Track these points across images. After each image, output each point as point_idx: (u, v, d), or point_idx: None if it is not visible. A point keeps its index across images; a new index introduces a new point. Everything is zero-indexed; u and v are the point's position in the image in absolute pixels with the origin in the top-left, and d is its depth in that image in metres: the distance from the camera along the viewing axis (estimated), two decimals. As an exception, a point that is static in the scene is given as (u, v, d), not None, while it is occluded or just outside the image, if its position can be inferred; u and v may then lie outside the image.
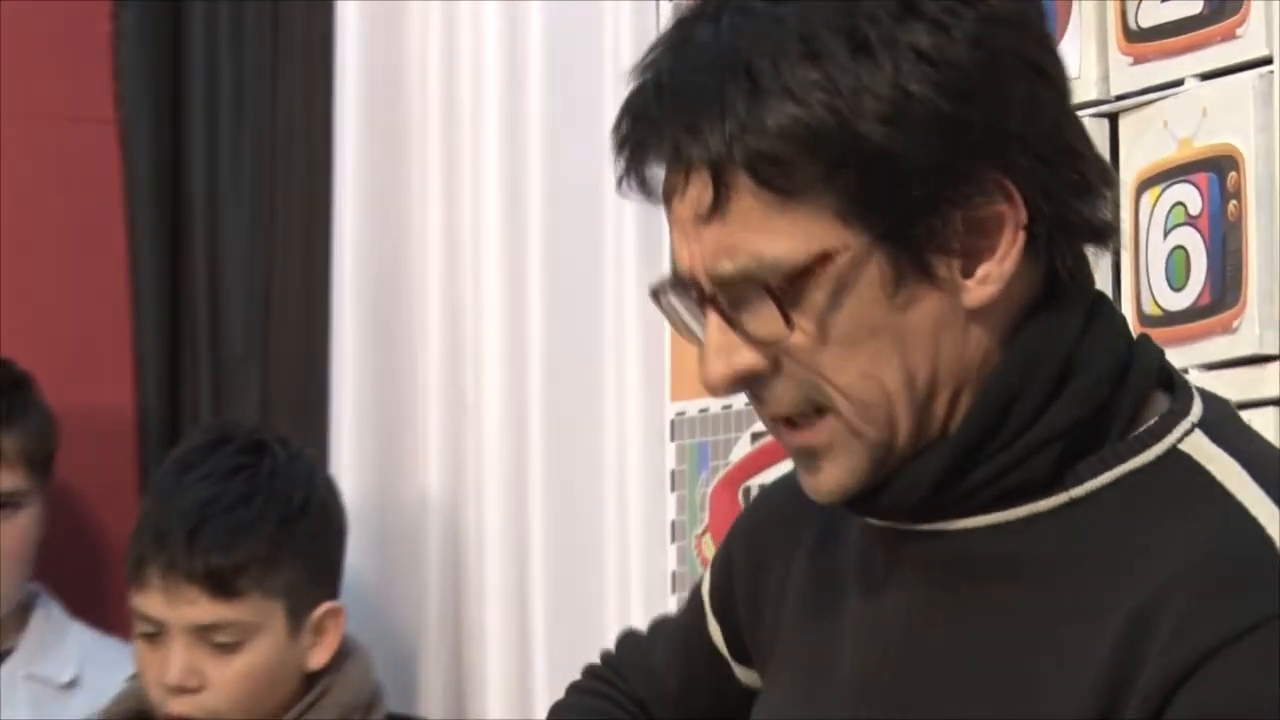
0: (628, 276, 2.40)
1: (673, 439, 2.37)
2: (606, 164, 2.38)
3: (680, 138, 1.27)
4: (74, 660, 2.66)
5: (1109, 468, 1.30)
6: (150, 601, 2.21)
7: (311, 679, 2.28)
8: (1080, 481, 1.30)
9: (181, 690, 2.22)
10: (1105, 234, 1.32)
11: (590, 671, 1.73)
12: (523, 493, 2.44)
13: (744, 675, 1.56)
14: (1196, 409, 1.32)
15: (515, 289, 2.46)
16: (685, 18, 1.30)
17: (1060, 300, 1.32)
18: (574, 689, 1.73)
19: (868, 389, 1.29)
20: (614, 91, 2.45)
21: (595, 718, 1.65)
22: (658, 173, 1.30)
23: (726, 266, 1.28)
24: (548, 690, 2.24)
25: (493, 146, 2.46)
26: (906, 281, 1.27)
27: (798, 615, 1.45)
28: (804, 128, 1.24)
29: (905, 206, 1.27)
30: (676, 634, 1.64)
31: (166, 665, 2.22)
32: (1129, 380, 1.31)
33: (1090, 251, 1.34)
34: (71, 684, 2.64)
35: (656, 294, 1.34)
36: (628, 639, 1.73)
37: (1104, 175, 1.32)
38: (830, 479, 1.32)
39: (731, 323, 1.29)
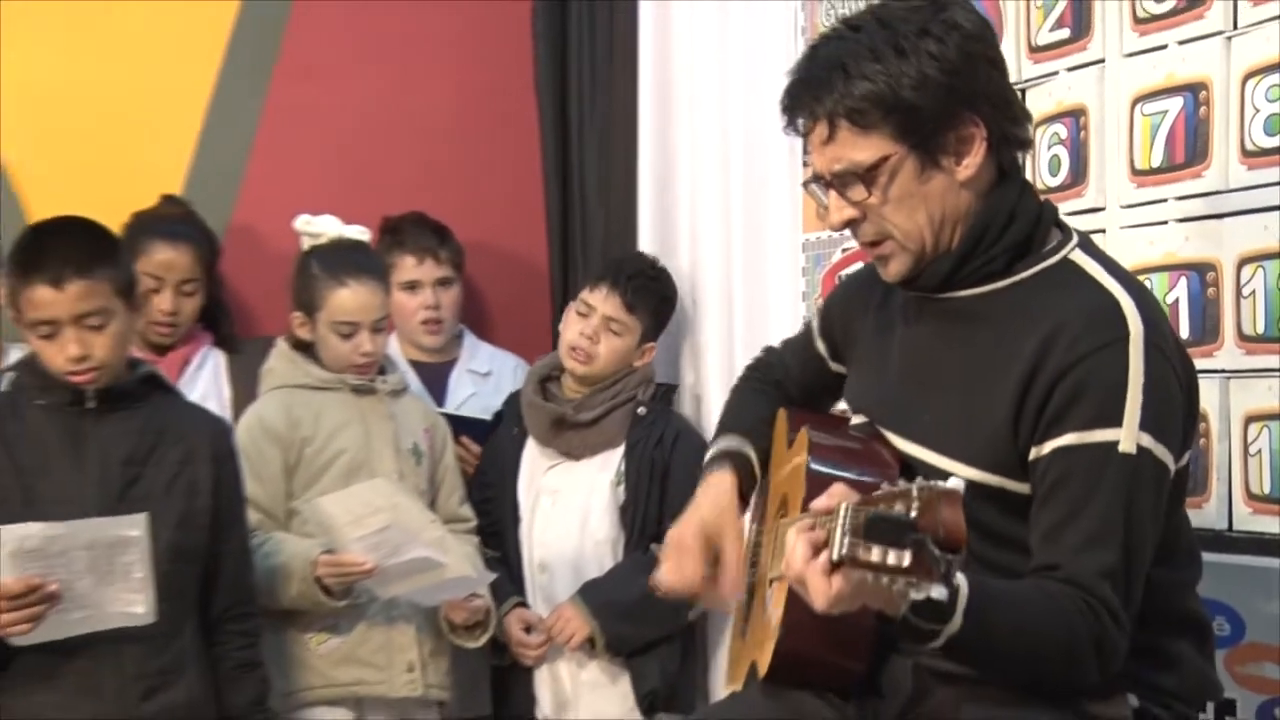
0: (796, 160, 3.00)
1: (804, 251, 2.99)
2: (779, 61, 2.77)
3: (811, 104, 1.67)
4: (487, 361, 3.33)
5: (1031, 267, 1.71)
6: (592, 295, 2.99)
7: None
8: (1019, 273, 1.69)
9: (583, 338, 2.94)
10: (1026, 144, 1.74)
11: (747, 372, 2.20)
12: (727, 277, 3.14)
13: (835, 367, 2.05)
14: (1075, 238, 1.74)
15: (723, 162, 3.19)
16: (816, 41, 1.72)
17: (1006, 180, 1.71)
18: (741, 381, 2.18)
19: (910, 226, 1.68)
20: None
21: (754, 397, 2.11)
22: (800, 123, 1.71)
23: (837, 167, 1.66)
24: (745, 356, 2.48)
25: (733, 103, 3.18)
26: (927, 169, 1.68)
27: (869, 338, 1.89)
28: (873, 94, 1.63)
29: (925, 131, 1.65)
30: (797, 348, 2.14)
31: (570, 326, 2.95)
32: (1041, 223, 1.74)
33: (1020, 154, 1.72)
34: (488, 374, 3.29)
35: (806, 184, 1.76)
36: (769, 351, 2.22)
37: (1025, 114, 1.73)
38: (893, 270, 1.73)
39: (841, 195, 1.67)
